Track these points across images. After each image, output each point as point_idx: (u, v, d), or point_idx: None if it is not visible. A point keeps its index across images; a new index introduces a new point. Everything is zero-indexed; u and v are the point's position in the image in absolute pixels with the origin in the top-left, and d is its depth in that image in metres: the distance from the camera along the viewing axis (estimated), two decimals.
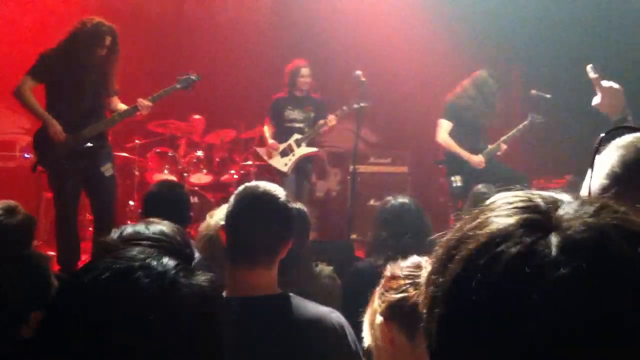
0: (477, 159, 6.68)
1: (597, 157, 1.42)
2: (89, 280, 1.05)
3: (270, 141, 7.26)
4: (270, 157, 7.26)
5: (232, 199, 2.20)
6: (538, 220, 0.77)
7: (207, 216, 3.11)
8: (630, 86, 2.63)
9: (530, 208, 0.79)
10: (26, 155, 7.59)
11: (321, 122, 7.11)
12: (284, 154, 7.24)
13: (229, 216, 2.20)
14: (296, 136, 7.24)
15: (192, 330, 1.05)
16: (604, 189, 1.40)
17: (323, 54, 7.87)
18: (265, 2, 9.24)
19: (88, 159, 5.50)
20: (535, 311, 0.71)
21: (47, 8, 7.90)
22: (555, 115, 7.16)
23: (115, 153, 7.25)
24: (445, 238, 0.84)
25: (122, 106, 5.71)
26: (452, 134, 6.77)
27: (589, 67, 2.50)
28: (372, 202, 7.94)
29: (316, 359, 2.04)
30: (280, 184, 2.45)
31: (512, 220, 0.77)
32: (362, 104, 6.65)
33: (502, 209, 0.80)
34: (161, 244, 1.17)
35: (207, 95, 7.36)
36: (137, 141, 7.65)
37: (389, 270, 2.13)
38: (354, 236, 6.61)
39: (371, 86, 6.44)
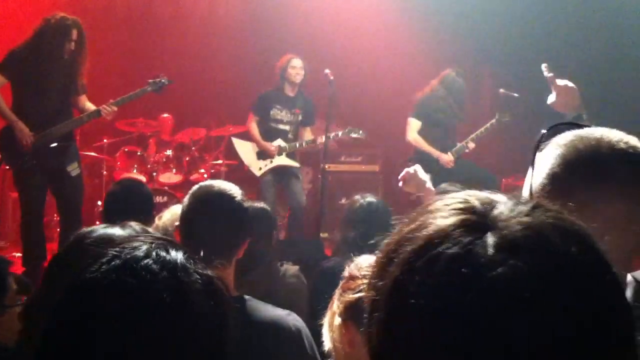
0: (447, 157, 6.72)
1: (538, 154, 1.40)
2: (98, 274, 1.03)
3: (264, 142, 6.85)
4: (245, 154, 6.96)
5: (186, 198, 2.18)
6: (474, 220, 0.77)
7: (156, 218, 3.07)
8: (601, 80, 2.64)
9: (467, 209, 0.78)
10: None
11: (312, 138, 6.86)
12: (262, 156, 6.91)
13: (183, 216, 2.18)
14: (280, 142, 6.88)
15: (205, 316, 1.05)
16: (544, 189, 1.38)
17: (293, 51, 7.82)
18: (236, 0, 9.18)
19: (54, 159, 5.43)
20: (472, 311, 0.71)
21: (15, 5, 7.77)
22: (525, 114, 7.21)
23: (84, 152, 7.19)
24: (385, 241, 0.83)
25: (89, 105, 5.64)
26: (422, 132, 6.80)
27: (543, 66, 2.51)
28: (343, 200, 7.91)
29: None
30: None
31: (449, 221, 0.77)
32: (358, 135, 6.87)
33: (440, 211, 0.80)
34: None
35: (177, 93, 7.28)
36: (105, 140, 7.57)
37: (347, 270, 2.11)
38: (324, 235, 6.61)
39: (341, 85, 6.45)
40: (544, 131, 1.41)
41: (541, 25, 8.00)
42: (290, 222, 6.95)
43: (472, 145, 6.87)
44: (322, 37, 8.49)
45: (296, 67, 6.80)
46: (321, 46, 8.38)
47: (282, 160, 6.92)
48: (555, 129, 1.44)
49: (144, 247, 1.06)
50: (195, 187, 2.22)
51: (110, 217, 3.68)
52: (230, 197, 2.16)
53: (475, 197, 0.81)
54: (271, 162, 6.87)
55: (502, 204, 0.79)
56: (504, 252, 0.72)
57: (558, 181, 1.36)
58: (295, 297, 3.02)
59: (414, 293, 0.74)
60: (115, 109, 5.57)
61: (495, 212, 0.78)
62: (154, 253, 1.05)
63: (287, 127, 6.91)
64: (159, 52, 8.37)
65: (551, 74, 2.47)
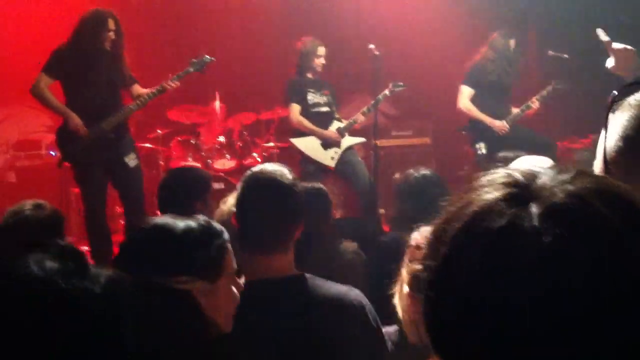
0: (500, 124, 6.63)
1: (610, 116, 1.39)
2: None
3: (324, 131, 6.56)
4: (309, 149, 6.58)
5: (239, 186, 2.22)
6: (518, 193, 0.78)
7: (221, 203, 3.14)
8: None
9: (510, 183, 0.80)
10: (52, 153, 7.69)
11: (364, 110, 6.58)
12: (327, 145, 6.60)
13: (237, 204, 2.22)
14: (337, 124, 6.64)
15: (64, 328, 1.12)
16: (619, 152, 1.37)
17: (336, 30, 7.78)
18: None
19: (110, 151, 5.52)
20: (520, 284, 0.72)
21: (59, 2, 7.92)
22: (575, 75, 7.05)
23: (139, 144, 7.32)
24: (434, 222, 0.85)
25: (144, 91, 5.71)
26: (475, 100, 6.71)
27: (599, 31, 2.47)
28: (396, 175, 7.90)
29: (337, 337, 2.06)
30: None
31: (492, 195, 0.78)
32: (398, 88, 6.60)
33: (484, 187, 0.81)
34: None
35: (223, 79, 7.34)
36: (159, 131, 7.70)
37: (413, 240, 2.15)
38: (381, 211, 6.61)
39: (386, 59, 6.38)
40: (615, 92, 1.38)
41: None
42: (366, 200, 6.46)
43: (533, 106, 6.70)
44: (363, 11, 8.44)
45: (322, 56, 6.59)
46: (362, 21, 8.34)
47: (350, 140, 6.69)
48: (627, 89, 1.41)
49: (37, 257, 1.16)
50: (247, 173, 2.25)
51: (163, 207, 3.80)
52: (279, 183, 2.17)
53: (517, 170, 0.82)
54: (339, 147, 6.61)
55: (545, 174, 0.80)
56: (548, 221, 0.73)
57: (633, 143, 1.35)
58: (353, 273, 3.06)
59: (464, 270, 0.76)
60: (178, 83, 5.64)
61: (539, 182, 0.78)
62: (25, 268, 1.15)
63: (327, 109, 6.67)
64: (202, 37, 8.39)
65: (608, 39, 2.43)
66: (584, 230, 0.73)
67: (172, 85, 5.63)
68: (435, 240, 0.83)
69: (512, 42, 6.71)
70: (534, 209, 0.75)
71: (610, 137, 1.39)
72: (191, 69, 5.78)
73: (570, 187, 0.77)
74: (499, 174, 0.82)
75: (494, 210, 0.77)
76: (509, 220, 0.75)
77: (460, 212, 0.80)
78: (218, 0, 8.92)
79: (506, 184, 0.80)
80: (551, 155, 6.14)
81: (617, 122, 1.39)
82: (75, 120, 5.38)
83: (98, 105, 5.49)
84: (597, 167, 1.38)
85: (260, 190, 2.18)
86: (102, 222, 5.65)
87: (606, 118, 1.38)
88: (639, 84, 1.47)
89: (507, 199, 0.77)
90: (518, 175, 0.81)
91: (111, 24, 5.44)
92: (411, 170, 4.12)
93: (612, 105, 1.38)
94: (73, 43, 5.45)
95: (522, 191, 0.78)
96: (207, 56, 5.87)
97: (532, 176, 0.80)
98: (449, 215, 0.82)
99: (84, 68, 5.41)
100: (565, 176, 0.79)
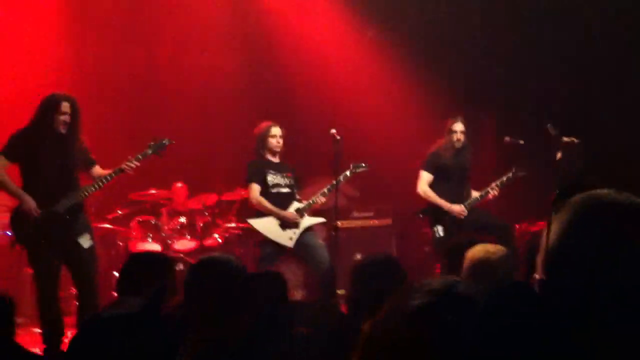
0: (459, 209, 6.72)
1: (553, 217, 1.42)
2: None
3: (283, 212, 6.52)
4: (267, 230, 6.52)
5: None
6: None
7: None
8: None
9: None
10: (8, 233, 7.55)
11: (324, 190, 6.60)
12: (286, 225, 6.56)
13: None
14: (296, 205, 6.63)
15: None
16: (559, 252, 1.40)
17: (298, 113, 7.92)
18: (239, 64, 9.35)
19: (64, 232, 5.49)
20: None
21: (24, 77, 7.95)
22: (533, 159, 7.22)
23: (98, 225, 7.26)
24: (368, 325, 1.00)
25: (103, 172, 5.73)
26: (434, 184, 6.82)
27: (549, 126, 2.56)
28: (357, 256, 7.93)
29: None
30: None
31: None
32: (364, 168, 6.76)
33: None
34: None
35: (185, 160, 7.36)
36: (119, 211, 7.66)
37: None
38: (340, 292, 6.57)
39: (348, 140, 6.50)
40: (557, 191, 1.43)
41: (543, 70, 8.09)
42: (325, 283, 6.37)
43: (491, 193, 6.83)
44: (326, 95, 8.62)
45: (276, 136, 6.60)
46: (324, 103, 8.51)
47: (309, 221, 6.67)
48: (570, 188, 1.45)
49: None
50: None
51: (122, 292, 3.72)
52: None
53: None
54: (298, 227, 6.58)
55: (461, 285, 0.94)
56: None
57: (565, 248, 1.38)
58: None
59: None
60: (137, 164, 5.68)
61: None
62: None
63: (288, 190, 6.66)
64: (163, 119, 8.45)
65: (556, 133, 2.52)
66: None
67: (131, 166, 5.67)
68: (368, 340, 0.90)
69: (459, 126, 6.84)
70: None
71: (552, 237, 1.42)
72: (149, 151, 5.85)
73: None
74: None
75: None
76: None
77: (392, 314, 0.89)
78: (179, 81, 9.04)
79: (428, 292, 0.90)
80: (508, 237, 6.27)
81: (558, 223, 1.43)
82: (29, 202, 5.39)
83: (51, 187, 5.50)
84: (539, 264, 1.41)
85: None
86: (54, 304, 5.54)
87: (548, 218, 1.41)
88: (574, 184, 1.51)
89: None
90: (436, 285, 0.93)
91: (65, 107, 5.51)
92: (370, 254, 4.13)
93: (554, 204, 1.42)
94: (29, 127, 5.54)
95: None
96: (166, 139, 5.95)
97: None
98: (381, 317, 0.90)
99: (38, 151, 5.47)
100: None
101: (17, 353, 2.41)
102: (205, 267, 2.23)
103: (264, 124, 6.70)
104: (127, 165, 5.66)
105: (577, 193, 1.47)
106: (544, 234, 1.43)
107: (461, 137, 6.80)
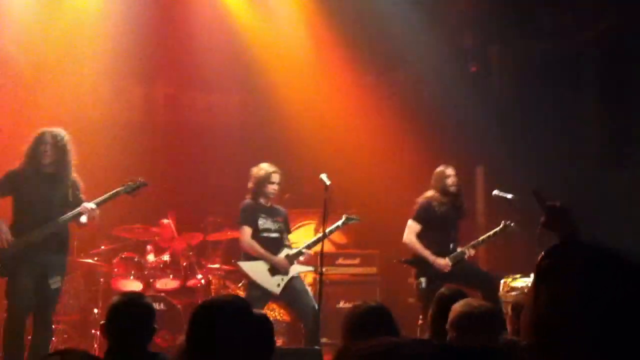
0: (443, 262, 6.65)
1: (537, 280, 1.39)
2: None
3: (274, 257, 6.49)
4: (257, 274, 6.48)
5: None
6: None
7: None
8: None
9: None
10: None
11: (314, 239, 6.65)
12: (274, 271, 6.50)
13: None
14: (286, 251, 6.60)
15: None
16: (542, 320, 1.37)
17: (289, 156, 7.91)
18: (233, 104, 9.38)
19: (40, 267, 5.56)
20: None
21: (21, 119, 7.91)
22: (522, 214, 7.23)
23: (80, 260, 7.17)
24: None
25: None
26: (421, 235, 6.77)
27: (533, 191, 2.54)
28: (341, 304, 7.86)
29: None
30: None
31: None
32: (351, 221, 6.78)
33: None
34: None
35: (172, 199, 7.31)
36: (102, 247, 7.56)
37: None
38: (324, 340, 6.48)
39: (337, 187, 6.47)
40: (543, 252, 1.40)
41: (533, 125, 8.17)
42: (309, 329, 6.30)
43: (472, 251, 6.83)
44: (316, 137, 8.64)
45: (275, 183, 6.59)
46: (315, 147, 8.52)
47: (297, 268, 6.62)
48: (555, 252, 1.43)
49: None
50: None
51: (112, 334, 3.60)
52: None
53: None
54: (286, 274, 6.53)
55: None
56: None
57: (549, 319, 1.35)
58: None
59: None
60: (94, 206, 5.69)
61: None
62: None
63: (277, 235, 6.63)
64: (157, 157, 8.45)
65: (541, 195, 2.50)
66: None
67: (88, 207, 5.67)
68: None
69: (452, 170, 6.83)
70: None
71: (546, 301, 1.38)
72: (121, 191, 5.89)
73: None
74: None
75: None
76: None
77: None
78: (174, 121, 9.05)
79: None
80: (494, 290, 6.21)
81: (555, 287, 1.39)
82: (2, 228, 5.49)
83: (34, 220, 5.60)
84: (526, 329, 1.37)
85: None
86: (20, 335, 5.53)
87: (534, 283, 1.38)
88: (561, 244, 1.49)
89: None
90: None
91: (47, 138, 5.66)
92: (358, 303, 4.06)
93: (539, 269, 1.38)
94: (21, 164, 5.71)
95: None
96: (141, 180, 6.00)
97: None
98: None
99: (23, 185, 5.64)
100: None
101: None
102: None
103: (266, 168, 6.64)
104: (83, 207, 5.69)
105: (568, 255, 1.43)
106: (530, 295, 1.39)
107: (455, 180, 6.80)
